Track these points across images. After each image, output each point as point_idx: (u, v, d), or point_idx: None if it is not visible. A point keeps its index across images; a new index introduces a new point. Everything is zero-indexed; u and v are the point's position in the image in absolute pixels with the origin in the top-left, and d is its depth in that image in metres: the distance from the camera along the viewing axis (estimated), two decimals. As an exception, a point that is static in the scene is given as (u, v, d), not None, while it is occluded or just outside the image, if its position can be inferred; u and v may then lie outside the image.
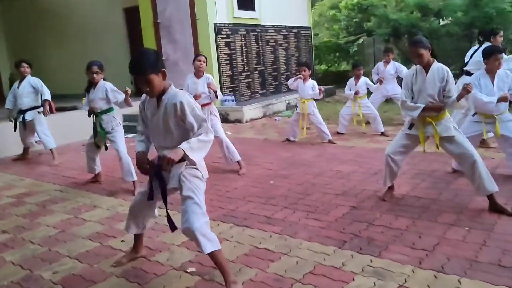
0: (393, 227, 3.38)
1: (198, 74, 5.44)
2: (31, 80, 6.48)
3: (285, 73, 11.76)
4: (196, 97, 5.19)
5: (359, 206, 3.90)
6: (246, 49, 10.34)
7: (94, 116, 4.92)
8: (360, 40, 13.51)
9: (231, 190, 4.60)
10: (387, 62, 7.67)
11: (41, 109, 6.54)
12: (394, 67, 7.63)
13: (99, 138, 4.96)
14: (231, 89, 9.95)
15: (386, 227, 3.40)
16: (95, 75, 4.80)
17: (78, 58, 11.84)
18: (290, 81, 6.73)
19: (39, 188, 5.19)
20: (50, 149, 6.53)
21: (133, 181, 4.77)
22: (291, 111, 9.34)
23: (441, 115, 3.75)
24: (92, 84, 4.88)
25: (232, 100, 9.52)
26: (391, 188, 4.12)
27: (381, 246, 3.07)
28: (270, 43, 11.19)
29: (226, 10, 9.76)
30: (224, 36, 9.70)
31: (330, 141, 6.62)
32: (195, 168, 2.70)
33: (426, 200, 3.93)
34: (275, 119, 9.35)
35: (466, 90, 3.58)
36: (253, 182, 4.84)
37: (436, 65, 3.72)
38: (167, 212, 2.72)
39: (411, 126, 3.88)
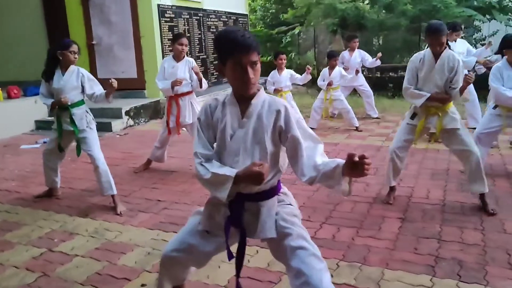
0: (469, 243, 2.93)
1: (178, 58, 4.56)
2: None
3: (225, 63, 10.96)
4: (176, 83, 4.35)
5: (407, 217, 3.40)
6: (189, 34, 9.36)
7: (57, 111, 3.79)
8: (296, 31, 13.19)
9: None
10: (352, 50, 7.34)
11: None
12: (360, 55, 7.34)
13: (67, 139, 3.85)
14: (175, 79, 8.91)
15: (461, 243, 2.94)
16: (76, 57, 3.68)
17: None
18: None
19: (-27, 208, 3.90)
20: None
21: (113, 196, 3.76)
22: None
23: (447, 106, 3.47)
24: (54, 69, 3.73)
25: (179, 92, 8.51)
26: (393, 188, 3.76)
27: (479, 269, 2.59)
28: (211, 30, 10.31)
29: (170, -11, 8.68)
30: (168, 19, 8.63)
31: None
32: (288, 204, 1.92)
33: (471, 205, 3.56)
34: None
35: (467, 82, 3.28)
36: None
37: (447, 53, 3.38)
38: (237, 282, 1.88)
39: (413, 116, 3.58)
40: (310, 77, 6.21)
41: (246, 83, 1.72)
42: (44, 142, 6.43)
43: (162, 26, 8.43)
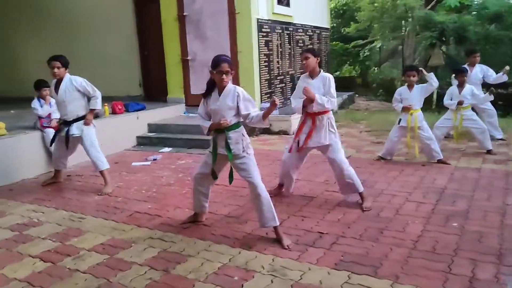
0: None
1: (311, 73, 4.18)
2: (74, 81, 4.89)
3: (310, 78, 10.61)
4: (307, 101, 4.01)
5: None
6: (281, 49, 9.11)
7: (213, 134, 3.52)
8: (377, 44, 12.70)
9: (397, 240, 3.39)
10: (472, 65, 6.77)
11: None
12: (481, 70, 6.75)
13: (221, 164, 3.62)
14: (268, 95, 8.66)
15: None
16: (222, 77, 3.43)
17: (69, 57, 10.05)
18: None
19: (126, 234, 3.67)
20: (101, 172, 4.93)
21: (275, 227, 3.42)
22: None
23: None
24: (212, 89, 3.48)
25: (276, 108, 8.21)
26: None
27: None
28: (299, 44, 10.03)
29: (266, 4, 8.46)
30: (264, 34, 8.41)
31: (440, 161, 5.58)
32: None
33: None
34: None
35: None
36: (428, 227, 3.66)
37: None
38: None
39: None
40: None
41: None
42: (154, 160, 6.29)
43: (260, 40, 8.21)
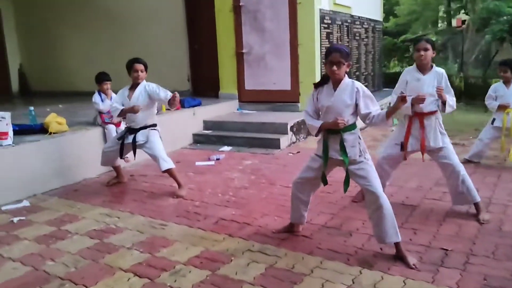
0: None
1: (422, 67, 3.66)
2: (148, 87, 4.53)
3: (364, 74, 10.10)
4: (418, 100, 3.35)
5: None
6: (340, 42, 8.61)
7: (325, 135, 3.08)
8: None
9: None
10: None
11: (158, 127, 4.66)
12: None
13: (330, 169, 3.16)
14: (327, 91, 8.17)
15: None
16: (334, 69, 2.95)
17: (111, 51, 9.80)
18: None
19: (219, 245, 3.28)
20: (169, 173, 4.55)
21: (396, 243, 2.97)
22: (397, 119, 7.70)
23: None
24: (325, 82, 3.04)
25: (337, 105, 7.74)
26: None
27: None
28: (356, 38, 9.50)
29: (328, -7, 7.99)
30: (326, 26, 7.93)
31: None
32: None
33: None
34: (392, 130, 7.67)
35: None
36: None
37: None
38: None
39: None
40: None
41: None
42: (217, 159, 5.92)
43: (321, 33, 7.73)
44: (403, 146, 3.76)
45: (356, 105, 2.98)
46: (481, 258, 2.94)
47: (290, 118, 7.01)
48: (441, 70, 3.70)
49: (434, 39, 15.08)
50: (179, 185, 4.52)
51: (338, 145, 3.00)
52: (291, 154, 6.20)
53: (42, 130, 5.18)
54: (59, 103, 8.40)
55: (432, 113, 3.69)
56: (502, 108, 4.99)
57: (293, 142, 6.86)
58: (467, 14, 10.85)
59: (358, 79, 9.68)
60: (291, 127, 6.80)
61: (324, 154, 3.05)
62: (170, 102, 4.33)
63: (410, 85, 3.73)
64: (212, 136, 7.05)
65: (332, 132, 3.01)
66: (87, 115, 6.22)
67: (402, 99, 2.79)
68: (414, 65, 3.78)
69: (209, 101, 8.08)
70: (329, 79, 3.03)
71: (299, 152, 6.28)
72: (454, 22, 21.40)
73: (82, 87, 9.26)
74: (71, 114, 6.63)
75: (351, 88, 2.98)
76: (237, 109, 8.24)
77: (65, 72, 11.10)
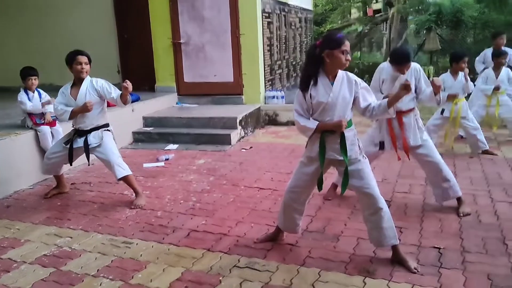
0: None
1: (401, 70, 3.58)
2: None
3: (300, 63, 10.06)
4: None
5: None
6: (279, 32, 8.43)
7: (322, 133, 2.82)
8: (356, 27, 12.36)
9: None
10: (498, 48, 6.46)
11: (111, 127, 4.12)
12: (509, 54, 6.48)
13: (325, 170, 2.91)
14: (270, 83, 7.98)
15: None
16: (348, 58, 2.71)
17: (31, 40, 8.74)
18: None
19: (200, 263, 2.91)
20: (126, 180, 4.04)
21: (394, 246, 2.84)
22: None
23: None
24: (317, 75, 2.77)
25: (282, 97, 7.58)
26: None
27: None
28: (292, 27, 9.39)
29: (267, -18, 7.72)
30: (267, 15, 7.68)
31: (486, 152, 5.25)
32: None
33: None
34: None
35: None
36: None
37: None
38: None
39: None
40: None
41: None
42: (167, 159, 5.46)
43: (263, 22, 7.47)
44: (381, 145, 3.65)
45: (354, 99, 2.76)
46: (476, 255, 2.90)
47: (237, 112, 6.70)
48: (417, 66, 3.64)
49: (356, 29, 15.60)
50: (137, 193, 4.03)
51: (337, 144, 2.75)
52: (244, 150, 5.91)
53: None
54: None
55: (411, 110, 3.62)
56: (450, 98, 5.12)
57: (242, 137, 6.57)
58: (390, 5, 11.25)
59: (294, 69, 9.61)
60: (240, 121, 6.50)
61: (321, 155, 2.79)
62: (123, 99, 3.84)
63: (387, 81, 3.62)
64: (154, 134, 6.52)
65: (331, 130, 2.76)
66: (11, 117, 5.40)
67: (405, 87, 2.62)
68: (388, 61, 3.67)
69: (145, 95, 7.48)
70: (318, 74, 2.74)
71: (251, 147, 6.01)
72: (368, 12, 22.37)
73: None
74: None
75: (348, 81, 2.74)
76: (177, 103, 7.75)
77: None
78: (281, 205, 3.10)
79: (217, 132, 6.27)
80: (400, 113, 3.54)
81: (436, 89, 3.25)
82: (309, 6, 11.18)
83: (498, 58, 5.68)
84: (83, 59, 3.86)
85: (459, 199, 3.62)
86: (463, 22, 9.41)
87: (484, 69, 6.25)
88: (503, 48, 6.38)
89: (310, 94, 2.73)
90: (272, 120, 7.46)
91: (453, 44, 9.38)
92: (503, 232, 3.21)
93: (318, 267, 2.82)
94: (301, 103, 2.79)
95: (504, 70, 5.73)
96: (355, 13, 23.63)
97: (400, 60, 3.50)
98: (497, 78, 5.67)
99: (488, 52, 6.48)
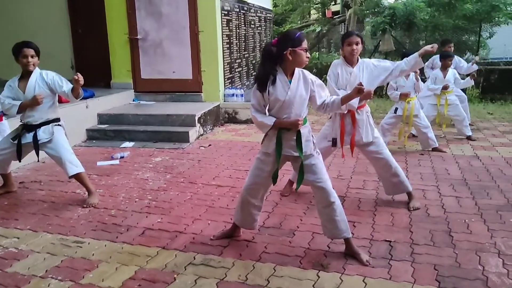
0: None
1: (352, 60, 3.64)
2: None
3: (258, 62, 10.08)
4: (367, 96, 3.30)
5: None
6: (239, 30, 8.42)
7: (278, 131, 2.84)
8: (315, 28, 12.55)
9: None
10: (445, 55, 6.76)
11: (62, 122, 3.98)
12: (453, 61, 6.79)
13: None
14: (230, 80, 7.96)
15: None
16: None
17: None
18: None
19: (155, 261, 2.86)
20: (78, 178, 3.92)
21: (347, 239, 2.90)
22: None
23: None
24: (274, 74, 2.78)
25: (241, 95, 7.58)
26: None
27: None
28: (251, 26, 9.41)
29: (226, -21, 7.69)
30: (226, 12, 7.66)
31: (435, 149, 5.48)
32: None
33: None
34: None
35: None
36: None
37: None
38: None
39: None
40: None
41: None
42: (122, 157, 5.34)
43: (222, 19, 7.44)
44: (334, 142, 3.72)
45: (311, 97, 2.79)
46: (424, 247, 3.01)
47: (196, 109, 6.64)
48: (369, 61, 3.71)
49: (315, 29, 15.83)
50: (90, 192, 3.91)
51: (293, 141, 2.78)
52: (202, 147, 5.87)
53: None
54: None
55: (363, 106, 3.69)
56: (403, 97, 5.30)
57: (201, 135, 6.52)
58: (347, 7, 11.52)
59: (254, 68, 9.64)
60: (199, 119, 6.45)
61: (277, 151, 2.81)
62: (74, 93, 3.72)
63: (341, 78, 3.66)
64: (109, 131, 6.35)
65: (286, 128, 2.78)
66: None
67: (359, 91, 2.68)
68: (341, 58, 3.72)
69: (100, 91, 7.27)
70: (276, 72, 2.75)
71: (210, 145, 5.98)
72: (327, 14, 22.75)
73: None
74: None
75: (304, 79, 2.77)
76: (134, 100, 7.59)
77: None
78: (238, 202, 3.10)
79: (175, 130, 6.19)
80: (352, 110, 3.61)
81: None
82: (269, 6, 11.23)
83: (445, 59, 5.97)
84: (29, 51, 3.70)
85: (409, 194, 3.74)
86: (415, 24, 9.81)
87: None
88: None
89: (268, 91, 2.74)
90: (232, 118, 7.45)
91: (407, 46, 9.75)
92: (449, 225, 3.35)
93: (273, 262, 2.84)
94: (258, 99, 2.80)
95: (451, 71, 6.03)
96: (314, 14, 24.04)
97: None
98: (445, 78, 5.94)
99: (436, 58, 6.75)
